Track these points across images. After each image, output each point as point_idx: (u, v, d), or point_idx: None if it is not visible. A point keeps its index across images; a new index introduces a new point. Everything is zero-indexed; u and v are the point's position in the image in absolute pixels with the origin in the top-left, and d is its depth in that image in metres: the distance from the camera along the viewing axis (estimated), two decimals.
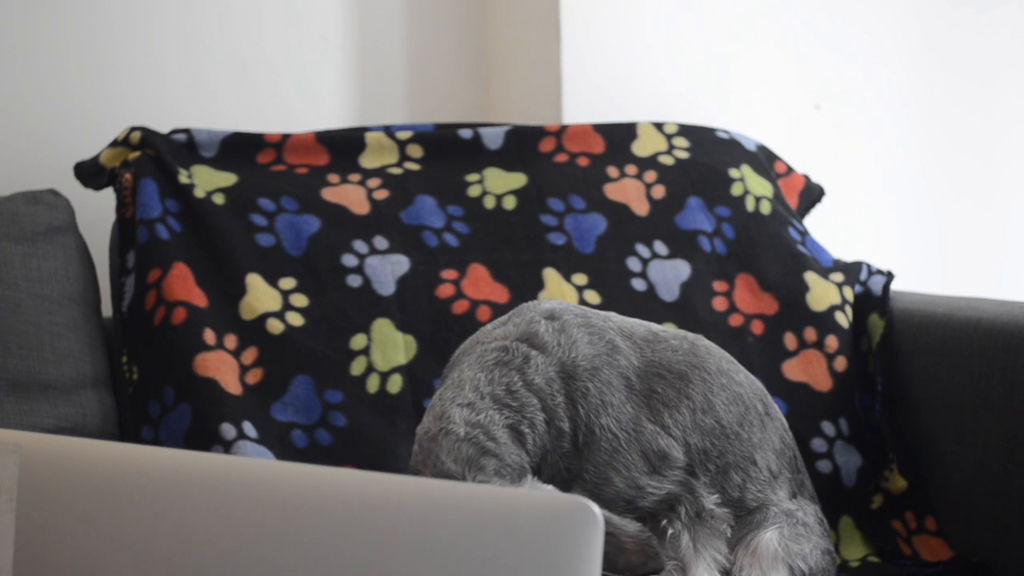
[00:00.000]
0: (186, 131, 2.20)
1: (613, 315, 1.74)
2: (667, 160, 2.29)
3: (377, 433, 2.04)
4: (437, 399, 1.62)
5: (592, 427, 1.62)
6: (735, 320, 2.19)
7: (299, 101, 2.55)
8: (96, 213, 2.25)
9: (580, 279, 2.16)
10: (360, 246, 2.13)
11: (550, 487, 1.55)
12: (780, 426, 1.79)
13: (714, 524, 1.67)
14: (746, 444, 1.73)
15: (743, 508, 1.72)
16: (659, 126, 2.33)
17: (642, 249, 2.20)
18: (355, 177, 2.20)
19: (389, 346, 2.09)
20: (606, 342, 1.68)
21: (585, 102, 2.52)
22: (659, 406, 1.67)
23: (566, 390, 1.63)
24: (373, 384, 2.07)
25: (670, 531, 1.64)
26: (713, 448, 1.70)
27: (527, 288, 2.14)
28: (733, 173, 2.29)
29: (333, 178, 2.19)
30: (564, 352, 1.64)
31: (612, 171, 2.26)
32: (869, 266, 2.30)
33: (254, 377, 2.04)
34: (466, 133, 2.27)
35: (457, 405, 1.59)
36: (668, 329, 1.77)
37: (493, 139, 2.27)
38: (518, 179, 2.24)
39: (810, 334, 2.19)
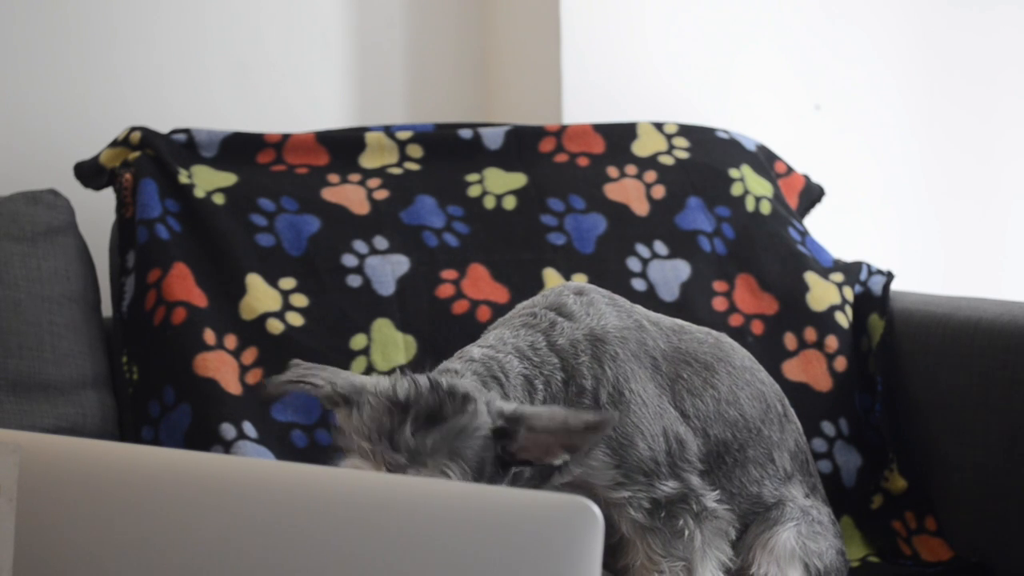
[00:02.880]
0: (186, 131, 2.20)
1: (638, 306, 1.76)
2: (667, 160, 2.29)
3: None
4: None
5: (621, 388, 1.63)
6: (735, 320, 2.19)
7: (299, 101, 2.55)
8: (96, 213, 2.25)
9: (580, 279, 2.16)
10: (360, 246, 2.13)
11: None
12: (796, 430, 1.80)
13: (717, 524, 1.67)
14: (766, 441, 1.74)
15: (761, 504, 1.73)
16: (659, 126, 2.33)
17: (642, 249, 2.20)
18: (355, 177, 2.20)
19: (389, 346, 2.09)
20: (633, 320, 1.70)
21: (585, 102, 2.52)
22: (683, 392, 1.68)
23: (593, 351, 1.64)
24: None
25: (686, 531, 1.64)
26: (734, 440, 1.71)
27: (527, 288, 2.14)
28: (733, 173, 2.29)
29: (333, 178, 2.19)
30: (594, 320, 1.67)
31: (612, 171, 2.26)
32: (869, 266, 2.30)
33: (254, 377, 2.04)
34: (466, 133, 2.27)
35: (478, 346, 1.62)
36: (691, 324, 1.79)
37: (493, 139, 2.27)
38: (518, 179, 2.24)
39: (810, 334, 2.19)
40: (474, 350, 1.61)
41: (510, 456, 1.47)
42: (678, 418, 1.67)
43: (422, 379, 1.47)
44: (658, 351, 1.70)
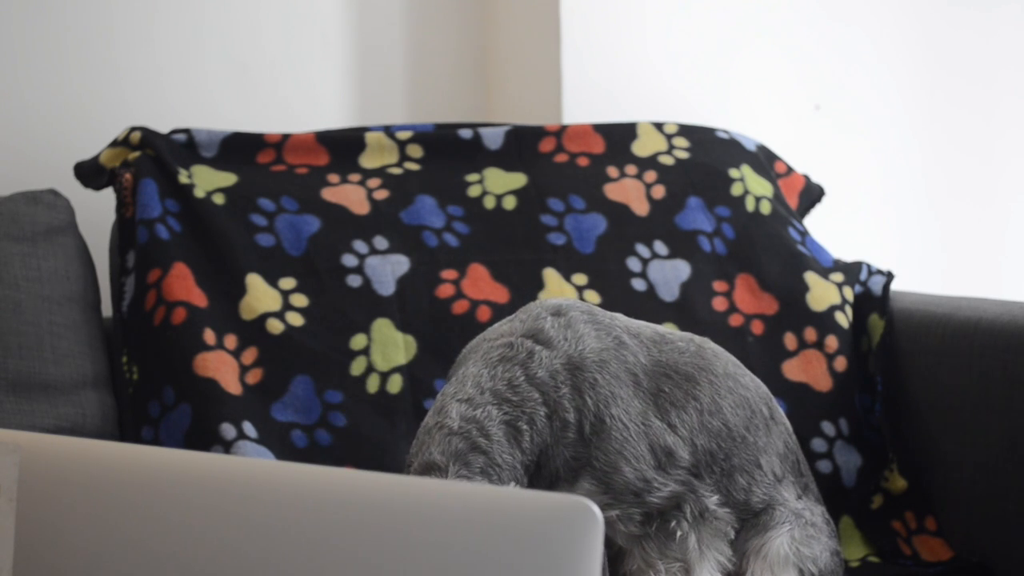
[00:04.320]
0: (186, 131, 2.20)
1: (619, 315, 1.74)
2: (667, 160, 2.29)
3: (377, 433, 2.04)
4: (440, 395, 1.63)
5: (602, 416, 1.62)
6: (735, 320, 2.19)
7: (299, 101, 2.55)
8: (96, 213, 2.25)
9: (580, 279, 2.16)
10: (360, 246, 2.13)
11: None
12: (784, 430, 1.79)
13: (717, 525, 1.67)
14: (752, 448, 1.73)
15: (749, 510, 1.72)
16: (659, 126, 2.33)
17: (642, 249, 2.20)
18: (355, 177, 2.20)
19: (389, 346, 2.09)
20: (613, 338, 1.68)
21: (585, 102, 2.52)
22: (667, 405, 1.67)
23: (572, 381, 1.62)
24: (373, 384, 2.07)
25: (679, 532, 1.64)
26: (720, 450, 1.70)
27: (527, 288, 2.14)
28: (733, 173, 2.29)
29: (333, 178, 2.19)
30: (571, 346, 1.64)
31: (612, 171, 2.26)
32: (869, 266, 2.30)
33: (254, 377, 2.04)
34: (466, 133, 2.27)
35: (456, 400, 1.59)
36: (674, 331, 1.77)
37: (493, 139, 2.27)
38: (518, 179, 2.24)
39: (810, 334, 2.19)
40: (451, 410, 1.58)
41: None
42: (665, 429, 1.66)
43: None
44: (639, 367, 1.68)
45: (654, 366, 1.69)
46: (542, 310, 1.69)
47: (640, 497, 1.62)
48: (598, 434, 1.61)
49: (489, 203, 2.21)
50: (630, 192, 2.24)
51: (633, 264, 2.19)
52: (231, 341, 2.05)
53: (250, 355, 2.05)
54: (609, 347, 1.66)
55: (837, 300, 2.21)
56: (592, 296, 2.15)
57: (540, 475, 1.60)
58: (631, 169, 2.27)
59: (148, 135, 2.15)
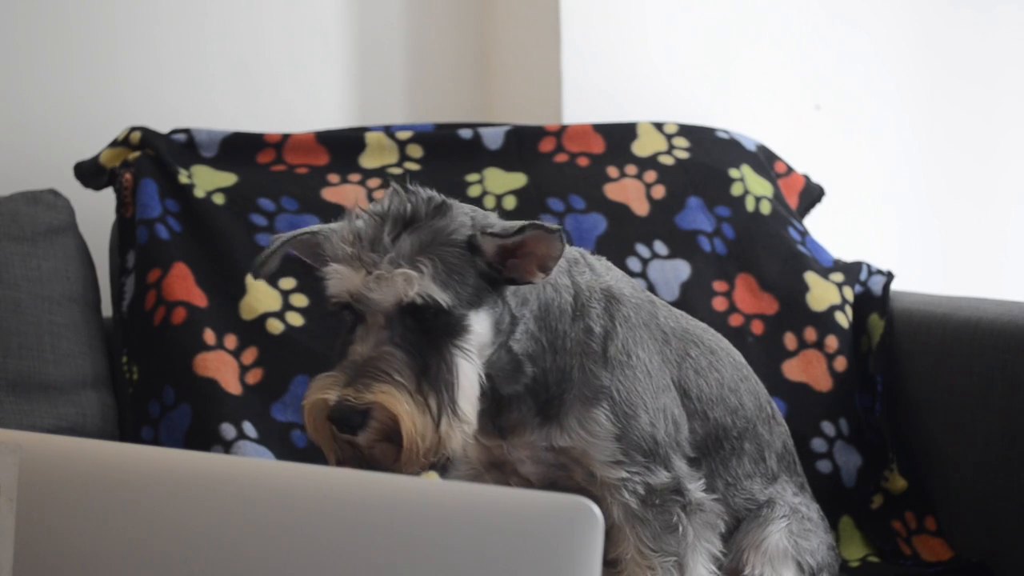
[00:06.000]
0: (186, 131, 2.20)
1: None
2: (667, 160, 2.29)
3: None
4: None
5: (629, 351, 1.60)
6: (735, 320, 2.19)
7: (299, 101, 2.55)
8: (96, 213, 2.25)
9: None
10: None
11: None
12: (784, 432, 1.80)
13: (705, 517, 1.66)
14: (760, 438, 1.74)
15: (753, 500, 1.73)
16: (659, 126, 2.33)
17: (642, 249, 2.20)
18: (355, 177, 2.20)
19: None
20: (647, 296, 1.69)
21: (585, 102, 2.52)
22: (690, 371, 1.67)
23: (606, 304, 1.61)
24: None
25: (680, 527, 1.63)
26: (734, 427, 1.71)
27: None
28: (733, 173, 2.29)
29: (333, 178, 2.19)
30: (612, 280, 1.63)
31: (612, 171, 2.26)
32: (869, 266, 2.30)
33: (254, 377, 2.04)
34: (466, 133, 2.27)
35: None
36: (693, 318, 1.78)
37: (493, 139, 2.27)
38: (518, 179, 2.24)
39: (810, 334, 2.19)
40: None
41: (497, 273, 1.49)
42: (676, 399, 1.66)
43: (402, 189, 1.51)
44: (668, 327, 1.69)
45: (683, 332, 1.70)
46: (584, 250, 1.68)
47: (647, 462, 1.60)
48: (623, 367, 1.60)
49: (489, 203, 2.21)
50: (630, 192, 2.24)
51: (633, 264, 2.19)
52: (231, 341, 2.05)
53: (250, 355, 2.05)
54: (643, 300, 1.67)
55: (837, 300, 2.21)
56: None
57: (555, 365, 1.57)
58: (631, 169, 2.27)
59: (148, 135, 2.15)
